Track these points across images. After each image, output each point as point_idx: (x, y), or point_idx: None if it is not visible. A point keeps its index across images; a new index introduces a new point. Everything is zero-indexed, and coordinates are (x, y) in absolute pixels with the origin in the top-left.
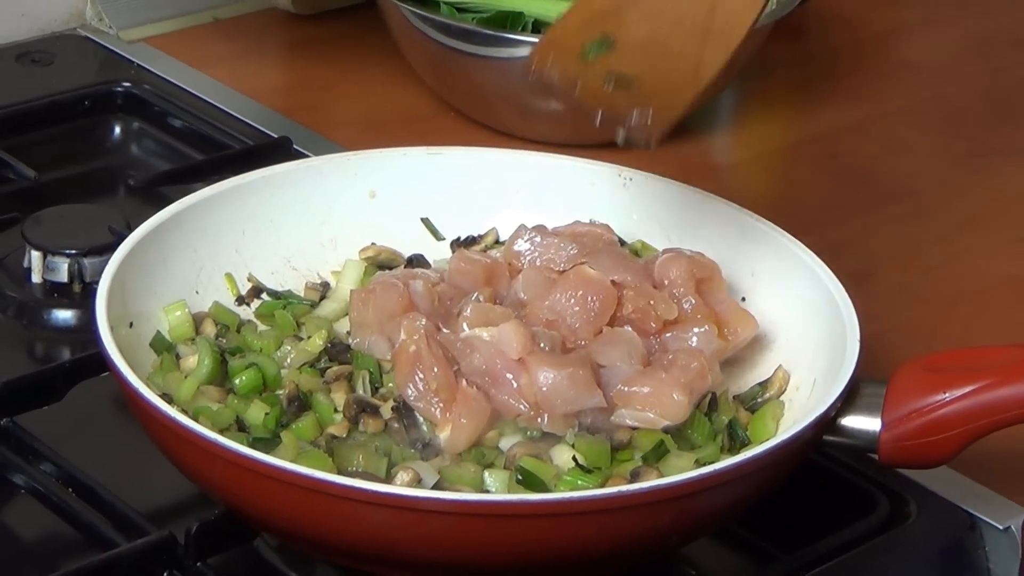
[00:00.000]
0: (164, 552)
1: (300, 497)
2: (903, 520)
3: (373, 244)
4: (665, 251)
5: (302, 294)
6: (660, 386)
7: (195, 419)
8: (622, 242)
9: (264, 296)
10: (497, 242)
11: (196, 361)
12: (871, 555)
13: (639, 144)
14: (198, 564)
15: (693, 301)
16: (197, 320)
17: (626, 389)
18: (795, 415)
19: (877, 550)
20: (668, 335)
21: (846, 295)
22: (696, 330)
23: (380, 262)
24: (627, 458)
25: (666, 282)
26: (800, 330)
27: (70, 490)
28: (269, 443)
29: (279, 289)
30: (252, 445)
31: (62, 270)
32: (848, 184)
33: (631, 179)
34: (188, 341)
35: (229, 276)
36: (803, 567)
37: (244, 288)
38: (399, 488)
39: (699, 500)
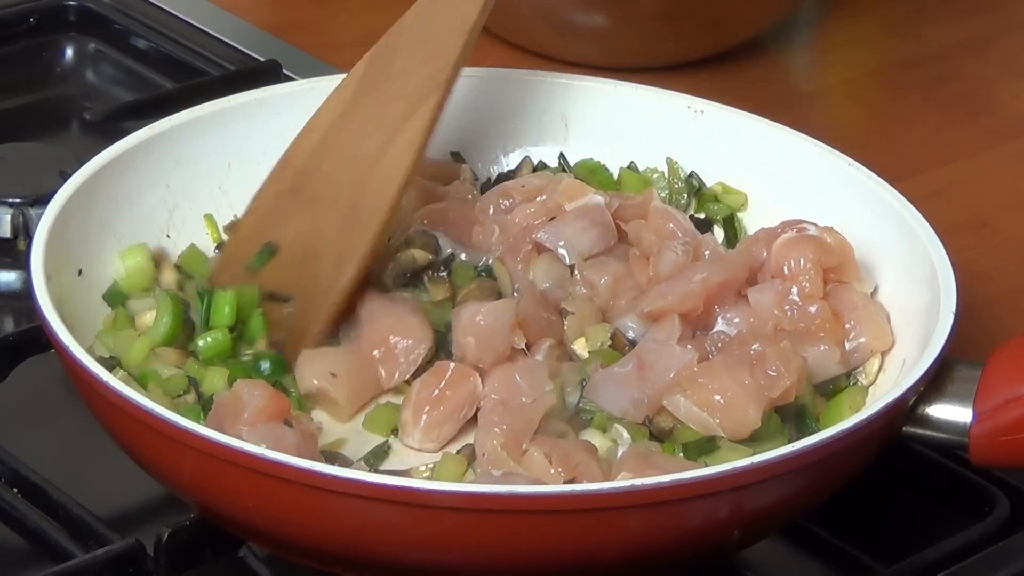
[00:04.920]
0: (129, 564)
1: (280, 490)
2: None
3: None
4: (785, 226)
5: None
6: (737, 393)
7: (143, 387)
8: (700, 187)
9: None
10: (535, 169)
11: (153, 317)
12: (988, 565)
13: (286, 356)
14: None
15: (817, 308)
16: (161, 267)
17: (697, 379)
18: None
19: (995, 559)
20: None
21: (944, 255)
22: (814, 349)
23: None
24: (668, 451)
25: (786, 272)
26: (891, 298)
27: (15, 490)
28: None
29: None
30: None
31: (4, 223)
32: (958, 115)
33: (702, 111)
34: (146, 293)
35: (209, 218)
36: None
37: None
38: (410, 481)
39: (738, 498)
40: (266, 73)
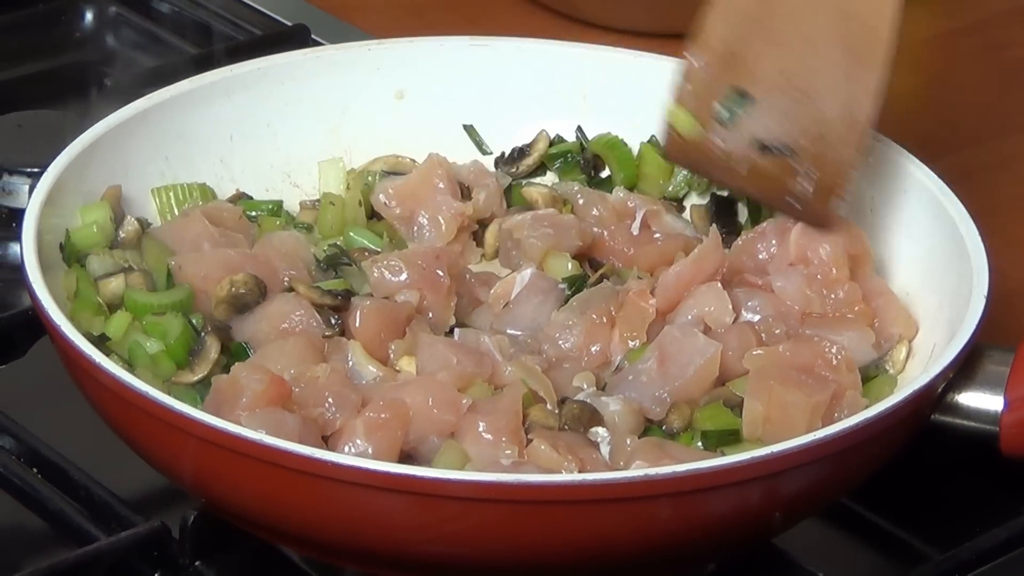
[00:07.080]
0: (154, 548)
1: (279, 477)
2: None
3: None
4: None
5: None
6: (801, 420)
7: (130, 367)
8: None
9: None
10: (551, 144)
11: (117, 284)
12: None
13: (817, 225)
14: (196, 563)
15: (847, 291)
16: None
17: (773, 388)
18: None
19: None
20: (808, 331)
21: (977, 235)
22: (848, 334)
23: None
24: (686, 441)
25: (814, 261)
26: (923, 282)
27: (35, 471)
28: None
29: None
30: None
31: (22, 193)
32: (1018, 83)
33: None
34: (102, 249)
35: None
36: (958, 567)
37: None
38: (417, 469)
39: (762, 488)
40: (294, 37)
